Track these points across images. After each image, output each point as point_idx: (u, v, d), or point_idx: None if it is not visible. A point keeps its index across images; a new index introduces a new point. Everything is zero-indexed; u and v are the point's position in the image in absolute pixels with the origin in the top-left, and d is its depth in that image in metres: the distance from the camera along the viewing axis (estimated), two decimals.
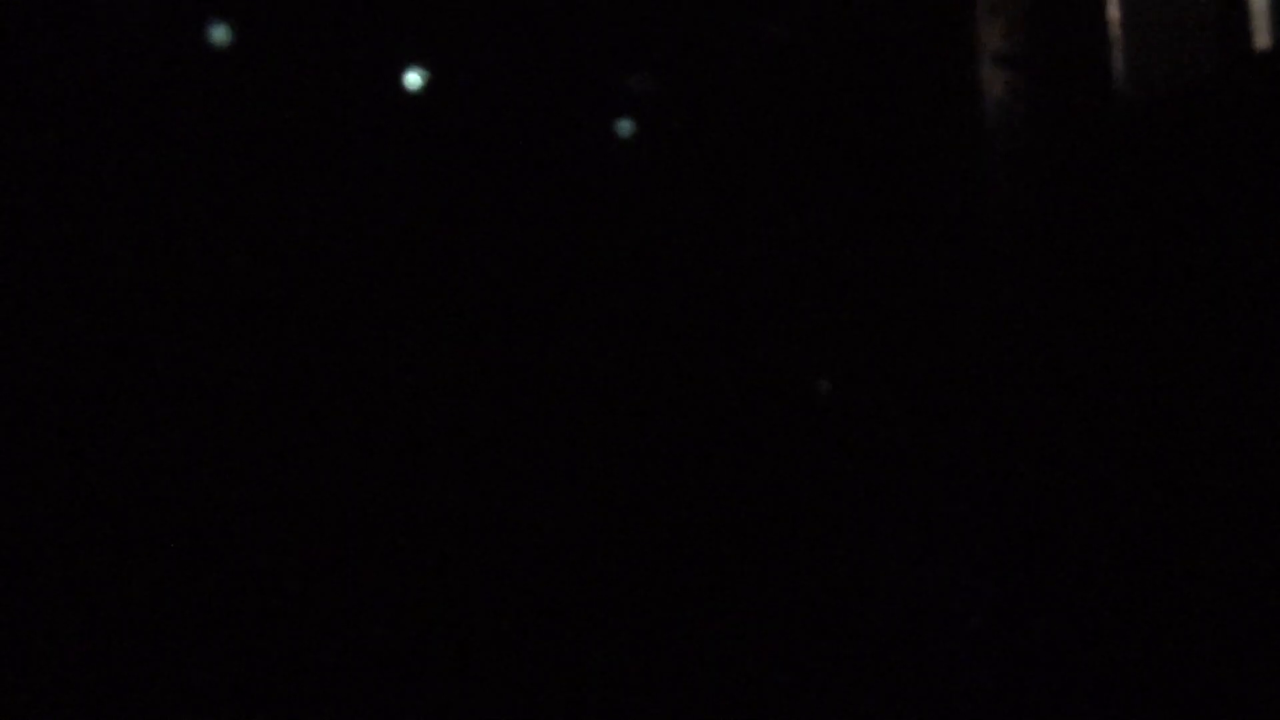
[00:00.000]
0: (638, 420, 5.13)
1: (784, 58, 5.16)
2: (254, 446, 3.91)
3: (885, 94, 5.28)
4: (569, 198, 5.26)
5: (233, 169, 4.16)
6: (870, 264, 5.49)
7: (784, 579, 4.09)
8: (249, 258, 4.10)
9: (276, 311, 4.20)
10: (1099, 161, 4.67)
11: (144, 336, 3.93)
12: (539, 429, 4.93)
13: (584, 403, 5.10)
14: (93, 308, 3.85)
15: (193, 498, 3.65)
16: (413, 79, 4.82)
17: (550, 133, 5.24)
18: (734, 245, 5.45)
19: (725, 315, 5.44)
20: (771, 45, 5.13)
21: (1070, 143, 4.82)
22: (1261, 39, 3.74)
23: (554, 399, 5.07)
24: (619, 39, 5.16)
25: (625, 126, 5.40)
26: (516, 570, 3.93)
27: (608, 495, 4.64)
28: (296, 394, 4.10)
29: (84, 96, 3.82)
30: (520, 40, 5.08)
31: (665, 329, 5.36)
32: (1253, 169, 3.94)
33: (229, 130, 4.16)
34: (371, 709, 2.21)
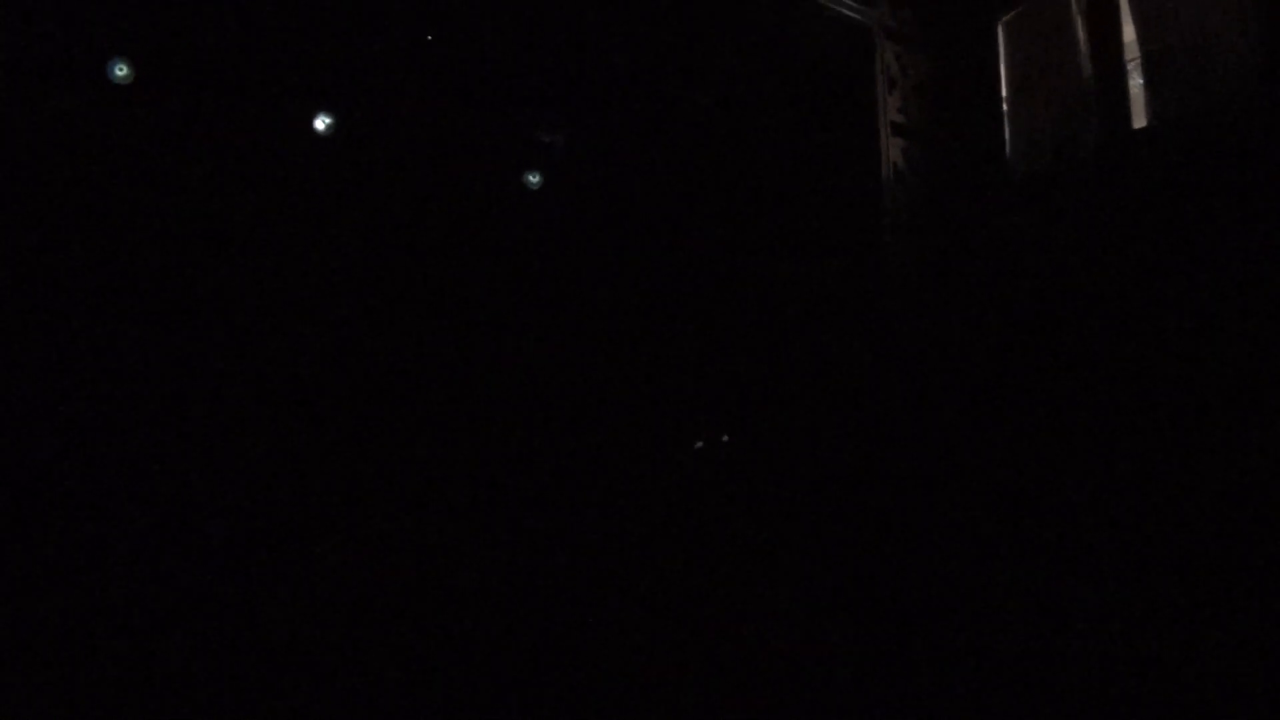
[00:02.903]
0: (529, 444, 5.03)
1: (700, 121, 5.29)
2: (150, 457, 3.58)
3: (791, 157, 5.48)
4: (477, 245, 5.14)
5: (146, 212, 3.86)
6: (772, 313, 5.62)
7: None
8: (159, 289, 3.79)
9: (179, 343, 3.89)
10: (988, 226, 5.00)
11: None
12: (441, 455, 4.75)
13: (495, 439, 4.95)
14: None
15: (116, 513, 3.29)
16: (323, 124, 4.65)
17: (460, 182, 5.13)
18: (642, 294, 5.46)
19: (632, 360, 5.42)
20: (689, 109, 5.26)
21: (961, 208, 5.14)
22: (1138, 119, 4.13)
23: (461, 439, 4.89)
24: (537, 95, 5.15)
25: (534, 179, 5.36)
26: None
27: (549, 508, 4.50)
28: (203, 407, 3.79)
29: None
30: (435, 90, 4.98)
31: (569, 379, 5.28)
32: (1128, 238, 4.31)
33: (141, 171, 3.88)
34: (370, 708, 2.05)
